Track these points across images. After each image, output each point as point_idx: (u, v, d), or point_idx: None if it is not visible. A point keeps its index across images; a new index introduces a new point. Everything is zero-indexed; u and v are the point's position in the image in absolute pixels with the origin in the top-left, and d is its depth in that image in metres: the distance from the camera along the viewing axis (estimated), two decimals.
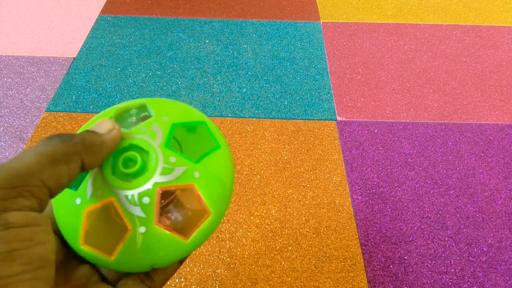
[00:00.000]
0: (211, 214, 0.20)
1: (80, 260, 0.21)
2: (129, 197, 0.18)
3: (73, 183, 0.19)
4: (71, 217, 0.19)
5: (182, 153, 0.20)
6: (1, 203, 0.13)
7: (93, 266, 0.21)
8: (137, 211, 0.18)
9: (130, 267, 0.19)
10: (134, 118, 0.21)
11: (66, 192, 0.19)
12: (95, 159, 0.17)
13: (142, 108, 0.22)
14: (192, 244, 0.20)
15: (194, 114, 0.22)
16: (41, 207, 0.15)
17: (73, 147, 0.16)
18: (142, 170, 0.19)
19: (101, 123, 0.19)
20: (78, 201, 0.19)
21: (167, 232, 0.19)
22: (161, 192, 0.19)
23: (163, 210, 0.19)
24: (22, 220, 0.14)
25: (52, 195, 0.15)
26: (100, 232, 0.19)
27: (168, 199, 0.19)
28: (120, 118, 0.21)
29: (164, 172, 0.19)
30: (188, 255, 0.20)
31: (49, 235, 0.15)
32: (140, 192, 0.18)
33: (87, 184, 0.19)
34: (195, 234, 0.20)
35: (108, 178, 0.19)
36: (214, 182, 0.20)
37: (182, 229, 0.19)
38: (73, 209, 0.19)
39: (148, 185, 0.18)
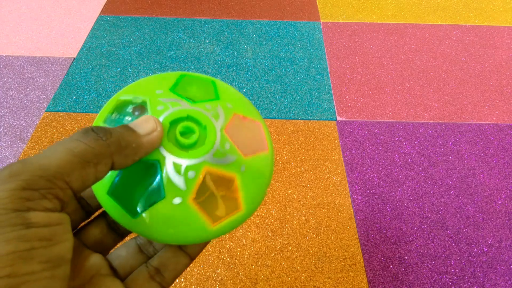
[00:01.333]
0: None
1: (94, 249, 0.20)
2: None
3: (148, 199, 0.18)
4: (183, 218, 0.19)
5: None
6: (25, 203, 0.13)
7: (105, 256, 0.21)
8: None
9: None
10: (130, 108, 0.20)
11: (154, 211, 0.18)
12: (126, 162, 0.17)
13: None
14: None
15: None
16: (62, 208, 0.15)
17: (106, 148, 0.16)
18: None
19: (145, 120, 0.18)
20: (177, 200, 0.18)
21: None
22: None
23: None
24: (43, 220, 0.13)
25: (75, 195, 0.15)
26: (215, 204, 0.19)
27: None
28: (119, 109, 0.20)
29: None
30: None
31: (68, 233, 0.15)
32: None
33: (174, 180, 0.18)
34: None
35: (192, 156, 0.19)
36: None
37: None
38: (178, 210, 0.19)
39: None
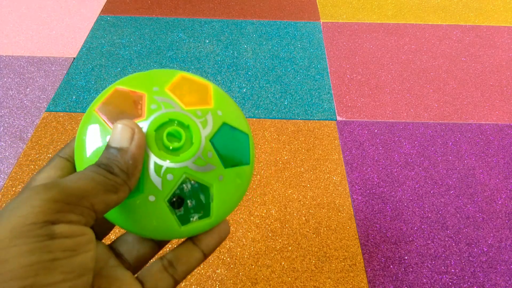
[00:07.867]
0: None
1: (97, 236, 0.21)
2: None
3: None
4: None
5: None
6: (54, 215, 0.14)
7: (110, 246, 0.21)
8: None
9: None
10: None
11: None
12: (135, 179, 0.18)
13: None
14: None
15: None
16: (86, 226, 0.16)
17: (120, 178, 0.17)
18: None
19: (120, 131, 0.18)
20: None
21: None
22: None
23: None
24: (67, 232, 0.14)
25: (97, 218, 0.16)
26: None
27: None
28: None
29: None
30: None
31: (91, 243, 0.15)
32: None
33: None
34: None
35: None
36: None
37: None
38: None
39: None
